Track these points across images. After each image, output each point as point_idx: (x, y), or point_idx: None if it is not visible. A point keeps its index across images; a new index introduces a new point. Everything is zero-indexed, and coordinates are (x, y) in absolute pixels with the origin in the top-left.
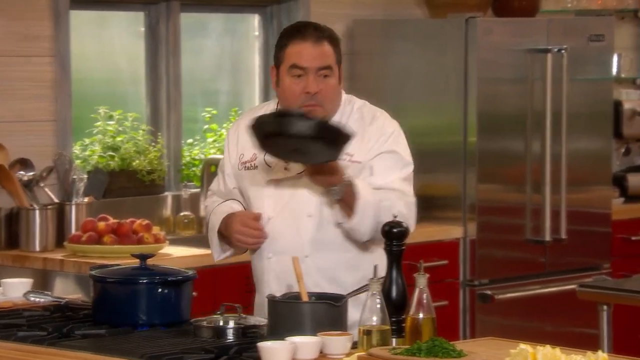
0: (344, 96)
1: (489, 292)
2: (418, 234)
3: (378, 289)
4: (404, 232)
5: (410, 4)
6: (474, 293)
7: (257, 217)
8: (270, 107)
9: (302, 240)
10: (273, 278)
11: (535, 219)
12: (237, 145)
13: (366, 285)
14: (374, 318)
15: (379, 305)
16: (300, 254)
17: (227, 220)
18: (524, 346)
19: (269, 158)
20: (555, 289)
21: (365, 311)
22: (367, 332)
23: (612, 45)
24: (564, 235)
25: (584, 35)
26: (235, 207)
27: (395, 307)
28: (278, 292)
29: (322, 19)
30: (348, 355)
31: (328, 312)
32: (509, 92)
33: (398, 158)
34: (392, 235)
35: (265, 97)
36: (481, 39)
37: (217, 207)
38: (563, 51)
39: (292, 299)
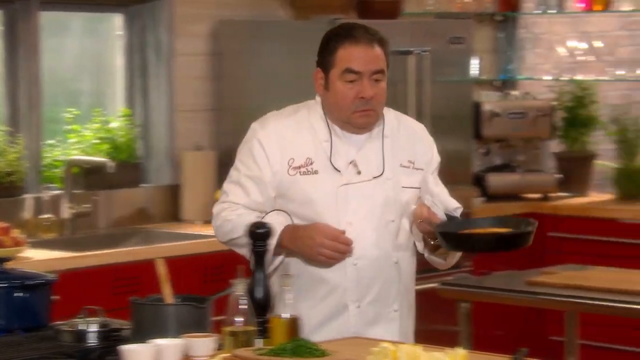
0: (385, 111)
1: None
2: None
3: (243, 290)
4: (269, 233)
5: (275, 5)
6: None
7: (343, 233)
8: (302, 111)
9: (388, 247)
10: (357, 285)
11: None
12: (280, 151)
13: (229, 286)
14: (239, 319)
15: (243, 307)
16: (388, 260)
17: (297, 232)
18: (385, 345)
19: (337, 162)
20: (418, 287)
21: (230, 312)
22: (232, 333)
23: (472, 48)
24: None
25: (445, 37)
26: (282, 219)
27: (260, 307)
28: (363, 299)
29: (186, 19)
30: (212, 356)
31: (192, 313)
32: None
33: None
34: (257, 235)
35: (129, 97)
36: None
37: (263, 218)
38: (425, 53)
39: (155, 301)
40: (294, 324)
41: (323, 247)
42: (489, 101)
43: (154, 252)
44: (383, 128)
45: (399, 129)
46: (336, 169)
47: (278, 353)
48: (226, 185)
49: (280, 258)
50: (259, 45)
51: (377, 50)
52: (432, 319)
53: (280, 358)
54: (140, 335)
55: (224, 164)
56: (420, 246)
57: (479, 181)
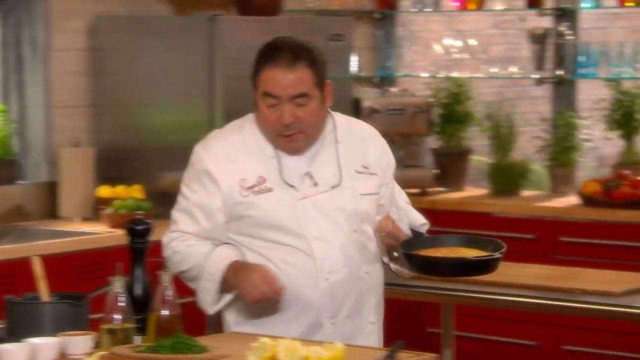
0: (335, 115)
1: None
2: (165, 230)
3: (121, 287)
4: (148, 230)
5: (154, 0)
6: None
7: (277, 280)
8: (246, 127)
9: (357, 258)
10: (331, 301)
11: None
12: (228, 173)
13: (108, 283)
14: (117, 316)
15: (121, 304)
16: (358, 271)
17: (238, 268)
18: (265, 340)
19: (290, 177)
20: None
21: (108, 309)
22: (110, 331)
23: (351, 45)
24: None
25: (325, 34)
26: (231, 252)
27: (139, 304)
28: (338, 315)
29: (63, 14)
30: (89, 355)
31: (69, 311)
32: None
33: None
34: (136, 232)
35: (4, 93)
36: (226, 36)
37: (212, 253)
38: None
39: (31, 299)
40: (173, 321)
41: (255, 288)
42: (368, 98)
43: (30, 249)
44: (335, 133)
45: (350, 133)
46: (289, 184)
47: (156, 350)
48: (175, 214)
49: (230, 296)
50: (139, 41)
51: (300, 72)
52: None
53: (158, 355)
54: (16, 334)
55: (103, 160)
56: (385, 258)
57: None
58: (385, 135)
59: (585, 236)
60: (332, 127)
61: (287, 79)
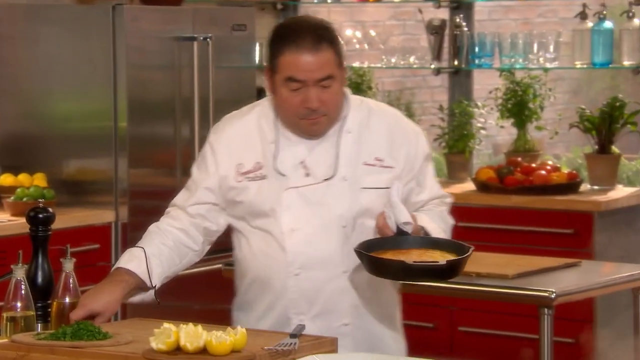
0: (352, 98)
1: None
2: (68, 218)
3: (22, 275)
4: (49, 218)
5: None
6: None
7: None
8: (255, 111)
9: (337, 254)
10: (301, 297)
11: None
12: (229, 156)
13: (10, 271)
14: (18, 304)
15: (23, 292)
16: (335, 270)
17: (108, 277)
18: (167, 325)
19: (283, 165)
20: (205, 268)
21: (9, 297)
22: (11, 319)
23: (254, 35)
24: None
25: (228, 24)
26: (134, 263)
27: (41, 292)
28: (308, 312)
29: None
30: None
31: None
32: (158, 78)
33: (430, 159)
34: (38, 220)
35: None
36: (129, 26)
37: (153, 238)
38: (208, 40)
39: None
40: (75, 308)
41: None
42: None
43: None
44: (343, 123)
45: (369, 122)
46: (280, 173)
47: (58, 337)
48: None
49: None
50: (41, 30)
51: (325, 54)
52: (218, 298)
53: (59, 342)
54: None
55: (5, 148)
56: None
57: None
58: None
59: (480, 221)
60: (343, 115)
61: (312, 62)
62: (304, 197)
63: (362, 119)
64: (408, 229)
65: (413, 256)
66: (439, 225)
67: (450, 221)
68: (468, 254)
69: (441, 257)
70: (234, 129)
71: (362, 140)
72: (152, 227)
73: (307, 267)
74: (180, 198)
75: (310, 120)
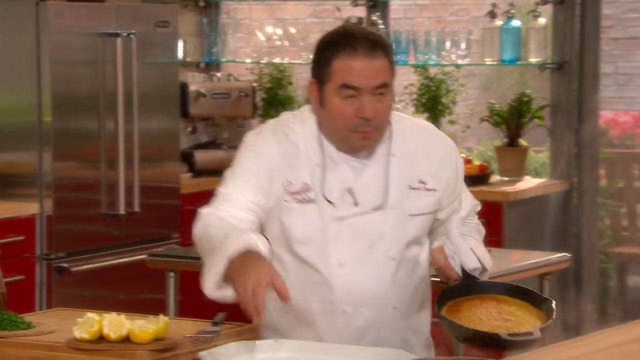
0: (392, 120)
1: (65, 264)
2: None
3: None
4: None
5: None
6: (51, 266)
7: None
8: (296, 125)
9: (387, 289)
10: (349, 333)
11: (110, 194)
12: (282, 170)
13: None
14: None
15: None
16: (386, 306)
17: (249, 259)
18: (90, 315)
19: (330, 191)
20: (129, 259)
21: None
22: None
23: (177, 31)
24: (137, 209)
25: (151, 21)
26: (258, 242)
27: None
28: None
29: None
30: None
31: None
32: (82, 74)
33: (464, 175)
34: None
35: None
36: (53, 22)
37: (238, 231)
38: (132, 36)
39: None
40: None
41: (243, 292)
42: (195, 82)
43: None
44: (390, 145)
45: (406, 141)
46: (328, 200)
47: None
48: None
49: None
50: None
51: (380, 60)
52: (142, 289)
53: None
54: None
55: None
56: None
57: (186, 158)
58: (211, 117)
59: None
60: (388, 136)
61: (368, 67)
62: (353, 228)
63: (405, 139)
64: (477, 274)
65: (492, 311)
66: (480, 238)
67: (483, 231)
68: (553, 316)
69: (520, 312)
70: (282, 143)
71: (406, 161)
72: (218, 213)
73: (357, 304)
74: (229, 188)
75: (361, 134)
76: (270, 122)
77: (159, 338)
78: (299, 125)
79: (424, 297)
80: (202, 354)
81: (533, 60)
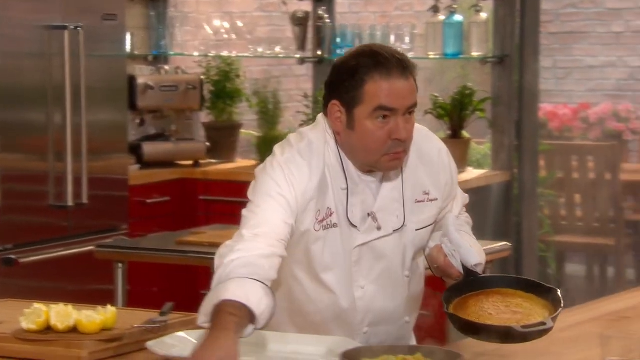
0: None
1: (13, 256)
2: None
3: None
4: None
5: None
6: None
7: None
8: (318, 146)
9: (400, 305)
10: (377, 312)
11: (58, 185)
12: (316, 199)
13: None
14: None
15: None
16: (400, 320)
17: (219, 326)
18: (38, 305)
19: (352, 216)
20: (77, 250)
21: None
22: None
23: (125, 25)
24: (85, 200)
25: (98, 14)
26: (251, 297)
27: None
28: (384, 330)
29: None
30: None
31: None
32: (29, 66)
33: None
34: None
35: None
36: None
37: (244, 280)
38: (79, 29)
39: None
40: None
41: None
42: (143, 75)
43: None
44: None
45: (413, 154)
46: (352, 224)
47: None
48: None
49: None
50: None
51: (411, 80)
52: (90, 279)
53: None
54: None
55: None
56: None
57: (134, 150)
58: (160, 110)
59: None
60: None
61: (404, 88)
62: (374, 251)
63: (412, 154)
64: (479, 269)
65: (499, 305)
66: (477, 243)
67: (471, 223)
68: (562, 305)
69: (526, 304)
70: (314, 169)
71: (412, 176)
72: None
73: (375, 323)
74: (254, 220)
75: (392, 156)
76: (294, 144)
77: (107, 328)
78: (324, 146)
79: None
80: (149, 343)
81: (475, 54)
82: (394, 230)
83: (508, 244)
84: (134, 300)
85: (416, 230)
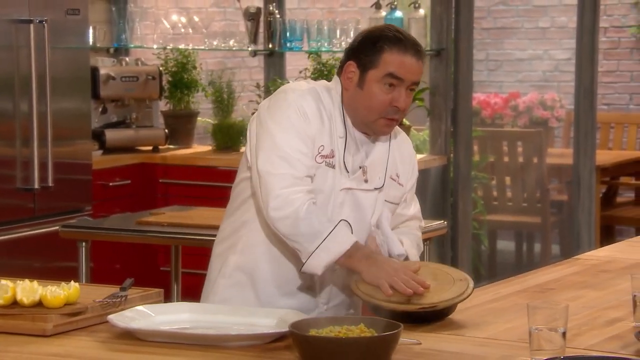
0: None
1: None
2: None
3: None
4: None
5: None
6: None
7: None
8: (325, 96)
9: None
10: (338, 290)
11: (25, 169)
12: (320, 133)
13: None
14: None
15: None
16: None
17: (373, 257)
18: (4, 282)
19: (350, 164)
20: (43, 230)
21: None
22: None
23: (87, 19)
24: (51, 184)
25: (63, 9)
26: (352, 236)
27: None
28: (327, 303)
29: None
30: None
31: None
32: None
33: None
34: None
35: None
36: None
37: (341, 224)
38: (44, 23)
39: None
40: None
41: (400, 281)
42: (105, 66)
43: None
44: (394, 133)
45: (398, 146)
46: (346, 169)
47: None
48: (267, 164)
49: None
50: None
51: (420, 62)
52: (55, 257)
53: None
54: None
55: None
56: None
57: (97, 136)
58: (121, 99)
59: None
60: None
61: (415, 64)
62: (355, 200)
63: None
64: (401, 259)
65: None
66: (417, 253)
67: (422, 248)
68: (469, 292)
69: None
70: (320, 105)
71: (395, 151)
72: (313, 207)
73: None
74: (288, 167)
75: (388, 121)
76: (302, 84)
77: (70, 303)
78: (327, 94)
79: None
80: (110, 317)
81: None
82: (375, 188)
83: (445, 222)
84: (97, 277)
85: (385, 200)
